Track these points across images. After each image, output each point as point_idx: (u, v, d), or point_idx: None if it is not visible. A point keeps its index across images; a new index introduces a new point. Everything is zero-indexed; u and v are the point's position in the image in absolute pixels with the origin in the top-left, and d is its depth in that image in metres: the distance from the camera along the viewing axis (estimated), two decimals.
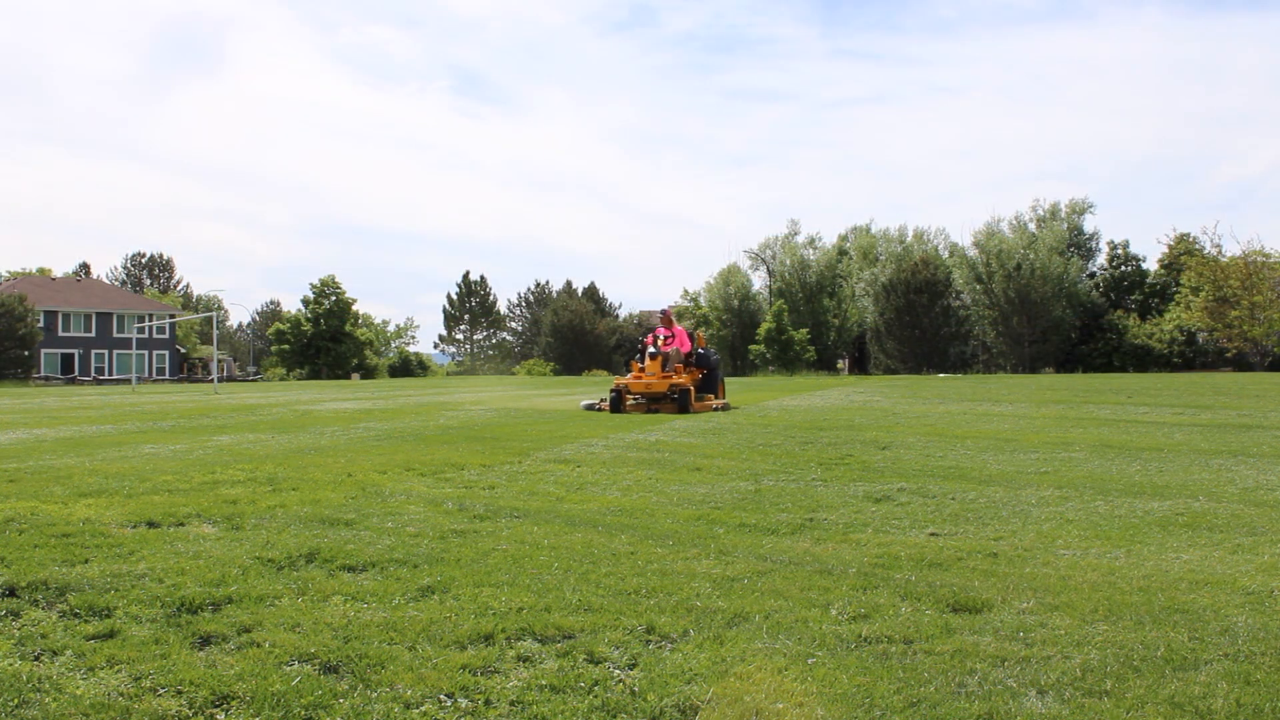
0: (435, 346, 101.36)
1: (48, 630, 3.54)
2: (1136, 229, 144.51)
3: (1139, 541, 5.23)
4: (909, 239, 71.63)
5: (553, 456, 9.29)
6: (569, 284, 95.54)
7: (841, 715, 2.81)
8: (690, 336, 17.40)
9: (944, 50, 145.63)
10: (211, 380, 54.73)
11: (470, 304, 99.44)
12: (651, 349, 16.89)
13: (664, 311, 18.00)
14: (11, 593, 4.01)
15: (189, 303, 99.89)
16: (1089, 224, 77.37)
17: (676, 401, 15.79)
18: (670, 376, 16.16)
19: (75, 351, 69.85)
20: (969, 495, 6.81)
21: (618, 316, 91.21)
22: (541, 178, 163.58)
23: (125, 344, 70.68)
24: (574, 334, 79.02)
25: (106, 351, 71.47)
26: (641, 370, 16.78)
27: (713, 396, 17.07)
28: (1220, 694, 2.94)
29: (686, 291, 73.44)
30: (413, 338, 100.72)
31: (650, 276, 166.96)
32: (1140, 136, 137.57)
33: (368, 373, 77.26)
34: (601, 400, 17.16)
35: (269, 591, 4.02)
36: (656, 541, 5.16)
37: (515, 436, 11.64)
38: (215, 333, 42.78)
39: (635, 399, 16.37)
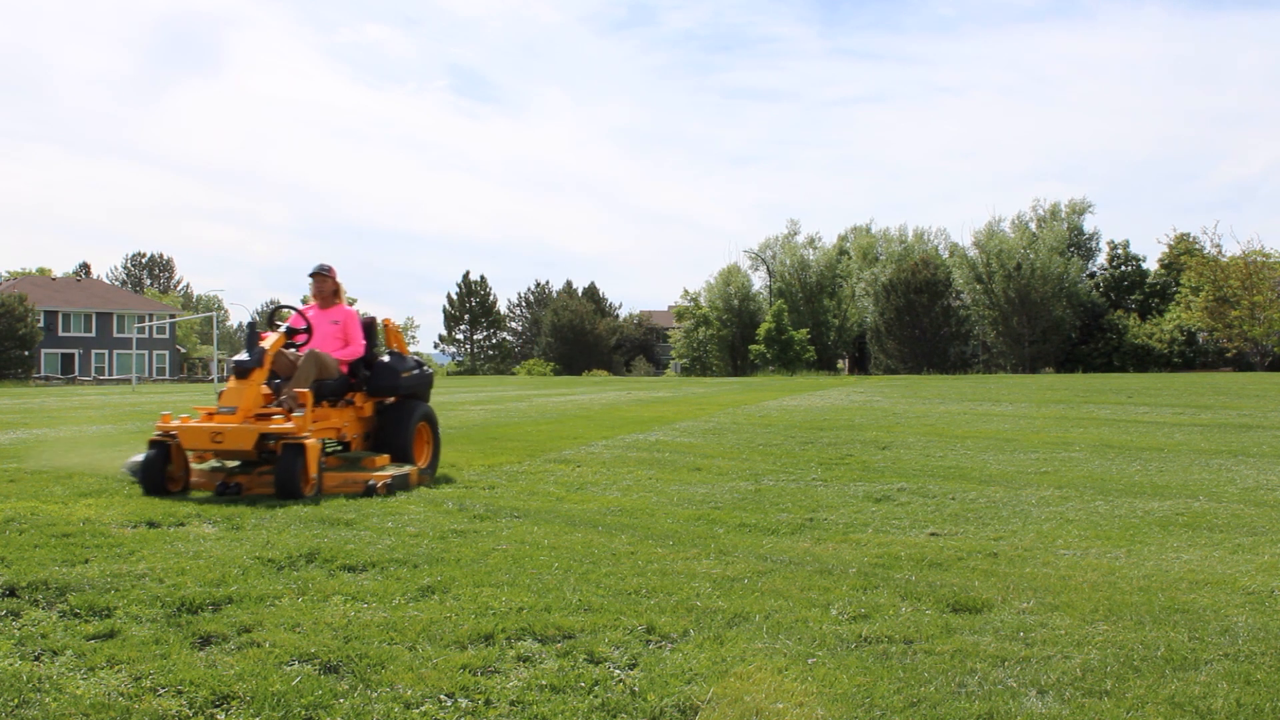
0: (435, 346, 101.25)
1: (48, 630, 3.53)
2: (1136, 229, 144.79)
3: (1139, 541, 5.23)
4: (909, 239, 71.60)
5: (553, 456, 9.29)
6: (569, 284, 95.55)
7: (841, 715, 2.81)
8: (367, 328, 8.02)
9: (944, 50, 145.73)
10: (211, 380, 54.69)
11: (470, 304, 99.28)
12: (242, 356, 7.02)
13: (323, 270, 8.02)
14: (11, 593, 4.00)
15: (189, 303, 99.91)
16: (1089, 224, 77.32)
17: (277, 468, 6.51)
18: (274, 416, 6.85)
19: (75, 351, 69.83)
20: (969, 495, 6.81)
21: (618, 316, 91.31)
22: (541, 178, 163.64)
23: (125, 344, 70.63)
24: (574, 334, 79.02)
25: (106, 351, 71.45)
26: (217, 403, 7.01)
27: (388, 457, 7.44)
28: (1220, 694, 2.94)
29: (686, 291, 73.24)
30: (413, 338, 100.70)
31: (650, 276, 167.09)
32: (1140, 136, 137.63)
33: None
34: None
35: (269, 591, 4.02)
36: (656, 541, 5.16)
37: (516, 437, 11.64)
38: (215, 333, 42.80)
39: (212, 462, 7.15)
